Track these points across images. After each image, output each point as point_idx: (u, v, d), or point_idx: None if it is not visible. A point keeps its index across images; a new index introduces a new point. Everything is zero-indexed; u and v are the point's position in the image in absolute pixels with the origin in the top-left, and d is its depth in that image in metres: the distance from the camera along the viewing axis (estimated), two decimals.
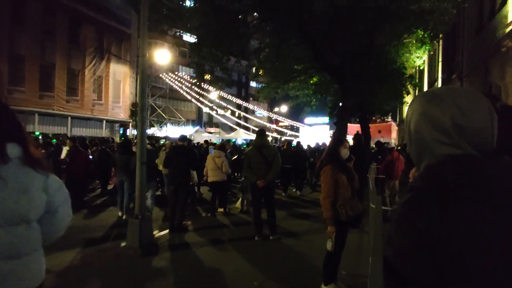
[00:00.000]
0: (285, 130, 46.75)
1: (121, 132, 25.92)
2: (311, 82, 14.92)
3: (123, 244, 5.15)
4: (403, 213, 0.76)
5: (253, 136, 33.17)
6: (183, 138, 6.61)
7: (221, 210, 7.59)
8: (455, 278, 0.65)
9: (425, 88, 20.64)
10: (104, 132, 23.52)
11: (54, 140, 12.53)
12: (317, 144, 13.00)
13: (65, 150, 9.02)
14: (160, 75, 29.71)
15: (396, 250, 0.74)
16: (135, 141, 6.61)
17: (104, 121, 23.72)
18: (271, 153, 5.55)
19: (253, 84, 50.32)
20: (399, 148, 11.90)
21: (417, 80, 18.43)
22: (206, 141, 14.76)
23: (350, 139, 13.76)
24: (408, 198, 0.77)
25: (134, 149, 7.13)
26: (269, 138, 30.61)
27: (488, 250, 0.65)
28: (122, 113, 25.31)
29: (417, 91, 22.56)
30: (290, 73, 13.02)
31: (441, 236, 0.68)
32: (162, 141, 16.69)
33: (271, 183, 5.59)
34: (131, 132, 25.93)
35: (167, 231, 6.03)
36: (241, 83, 48.65)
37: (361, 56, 10.56)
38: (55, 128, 20.46)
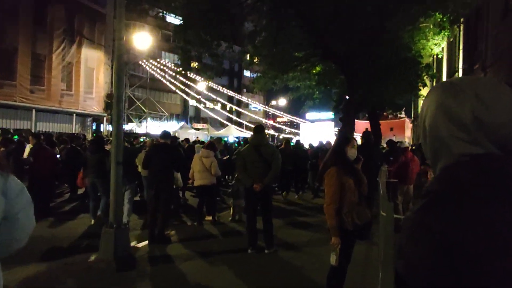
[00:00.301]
0: (284, 127, 46.84)
1: (94, 127, 25.75)
2: (314, 71, 14.96)
3: (93, 257, 5.12)
4: (417, 220, 0.77)
5: (246, 134, 33.26)
6: (165, 135, 6.58)
7: (209, 218, 7.59)
8: (473, 280, 0.67)
9: (444, 79, 20.81)
10: (74, 128, 23.35)
11: (16, 137, 12.40)
12: (320, 143, 13.03)
13: (28, 147, 8.94)
14: (140, 62, 29.56)
15: (409, 260, 0.75)
16: (110, 138, 6.57)
17: (74, 115, 23.54)
18: (269, 152, 5.54)
19: (247, 73, 50.30)
20: (413, 148, 11.96)
21: (434, 71, 18.56)
22: (187, 140, 14.67)
23: (358, 137, 13.82)
24: (423, 203, 0.78)
25: (108, 147, 7.09)
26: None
27: (508, 251, 0.67)
28: (95, 105, 25.15)
29: (434, 83, 22.76)
30: (290, 61, 13.03)
31: (458, 238, 0.69)
32: (142, 139, 16.61)
33: (268, 187, 5.58)
34: (106, 127, 25.78)
35: (146, 242, 6.00)
36: (233, 72, 48.59)
37: (371, 42, 10.60)
38: (17, 123, 20.25)
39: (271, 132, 41.00)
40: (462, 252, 0.69)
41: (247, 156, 5.59)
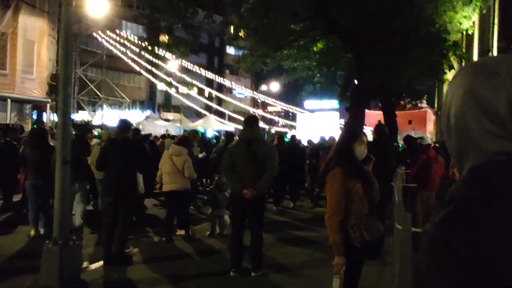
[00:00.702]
0: (276, 118, 46.98)
1: (34, 117, 25.38)
2: (314, 49, 15.01)
3: (31, 281, 5.06)
4: (438, 235, 0.76)
5: (229, 126, 33.26)
6: (124, 126, 6.49)
7: (181, 232, 7.57)
8: None
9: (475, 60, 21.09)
10: (8, 117, 22.99)
11: None
12: (322, 138, 13.10)
13: None
14: (94, 34, 29.19)
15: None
16: (55, 131, 6.49)
17: (9, 101, 23.17)
18: (264, 150, 5.53)
19: (230, 50, 50.12)
20: (436, 145, 12.10)
21: (463, 50, 18.81)
22: (162, 136, 14.61)
23: (369, 131, 13.93)
24: (445, 213, 0.78)
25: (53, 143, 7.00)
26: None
27: None
28: (36, 89, 24.77)
29: (463, 65, 23.08)
30: (284, 36, 13.04)
31: (490, 265, 0.68)
32: (96, 132, 16.44)
33: (261, 194, 5.58)
34: (50, 117, 25.45)
35: (101, 262, 5.95)
36: (213, 49, 48.45)
37: (384, 13, 10.69)
38: None
39: (261, 124, 41.12)
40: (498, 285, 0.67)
41: (237, 155, 5.58)
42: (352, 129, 5.09)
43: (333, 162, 3.65)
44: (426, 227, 0.82)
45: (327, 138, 13.05)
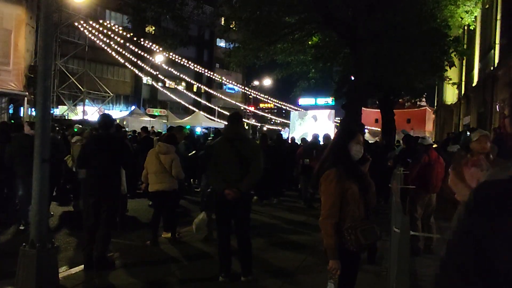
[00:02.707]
0: (269, 116, 47.05)
1: (10, 111, 25.15)
2: (310, 43, 15.05)
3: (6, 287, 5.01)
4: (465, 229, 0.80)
5: (218, 123, 33.24)
6: (106, 122, 6.45)
7: (168, 235, 7.56)
8: None
9: (476, 58, 21.29)
10: None
11: None
12: (315, 137, 13.12)
13: None
14: (76, 24, 28.99)
15: None
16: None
17: None
18: (248, 148, 5.55)
19: (221, 43, 50.09)
20: (436, 145, 12.16)
21: (465, 46, 18.99)
22: (145, 128, 14.58)
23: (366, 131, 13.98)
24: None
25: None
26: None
27: None
28: (12, 81, 24.51)
29: (464, 62, 23.27)
30: (278, 29, 13.04)
31: None
32: (76, 129, 16.36)
33: (246, 195, 5.59)
34: (27, 111, 25.23)
35: (81, 267, 5.92)
36: (202, 42, 48.34)
37: (383, 6, 10.73)
38: None
39: (252, 122, 41.11)
40: None
41: (220, 152, 5.59)
42: (349, 127, 5.10)
43: (327, 162, 3.65)
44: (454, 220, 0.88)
45: (321, 137, 13.09)
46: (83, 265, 5.93)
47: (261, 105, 51.81)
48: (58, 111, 30.04)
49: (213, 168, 5.63)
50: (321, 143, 11.62)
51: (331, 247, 3.45)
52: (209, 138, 13.56)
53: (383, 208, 9.34)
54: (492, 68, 17.38)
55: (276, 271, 6.10)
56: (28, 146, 7.97)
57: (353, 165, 3.61)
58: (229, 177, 5.47)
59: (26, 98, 25.29)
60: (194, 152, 11.33)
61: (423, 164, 7.35)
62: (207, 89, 41.52)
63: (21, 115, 24.95)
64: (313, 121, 24.74)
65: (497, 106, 15.56)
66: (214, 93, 42.85)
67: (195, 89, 42.34)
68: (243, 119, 6.29)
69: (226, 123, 5.86)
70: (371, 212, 3.69)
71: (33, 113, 24.30)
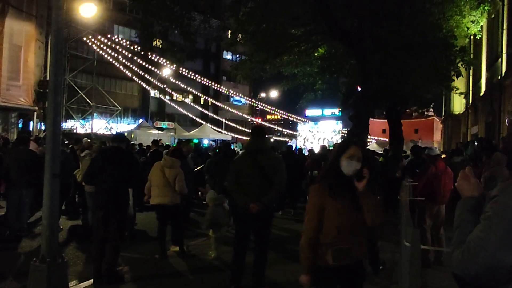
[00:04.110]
0: (276, 127, 47.03)
1: (20, 125, 25.34)
2: (316, 55, 15.09)
3: None
4: None
5: (225, 136, 33.25)
6: (119, 137, 6.52)
7: (176, 248, 7.53)
8: None
9: (483, 67, 21.22)
10: None
11: None
12: (323, 148, 13.12)
13: None
14: (85, 39, 29.28)
15: None
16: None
17: None
18: (271, 163, 5.58)
19: (227, 56, 50.38)
20: (444, 155, 12.09)
21: (471, 56, 18.94)
22: (155, 142, 14.62)
23: (373, 142, 13.90)
24: None
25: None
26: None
27: None
28: (22, 96, 24.76)
29: (471, 72, 23.19)
30: (284, 41, 13.11)
31: None
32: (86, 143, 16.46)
33: (267, 209, 5.57)
34: (36, 126, 25.42)
35: (91, 281, 5.92)
36: (209, 55, 48.58)
37: (389, 17, 10.75)
38: None
39: None
40: None
41: (241, 167, 5.61)
42: (346, 139, 5.07)
43: (319, 176, 3.60)
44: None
45: (329, 148, 13.10)
46: (92, 279, 5.94)
47: (268, 117, 51.82)
48: (67, 125, 30.24)
49: (235, 183, 5.61)
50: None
51: (303, 261, 3.46)
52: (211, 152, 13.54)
53: (392, 219, 9.26)
54: (499, 77, 17.33)
55: (286, 283, 6.05)
56: (25, 160, 8.21)
57: (341, 181, 3.43)
58: (251, 191, 5.47)
59: (35, 113, 25.52)
60: (202, 166, 11.36)
61: (430, 175, 7.29)
62: (214, 101, 41.65)
63: (31, 129, 25.12)
64: (320, 132, 24.76)
65: (506, 120, 15.50)
66: (221, 105, 42.97)
67: (202, 102, 42.49)
68: (266, 133, 6.32)
69: (250, 135, 5.95)
70: (367, 230, 3.58)
71: (43, 127, 24.49)
